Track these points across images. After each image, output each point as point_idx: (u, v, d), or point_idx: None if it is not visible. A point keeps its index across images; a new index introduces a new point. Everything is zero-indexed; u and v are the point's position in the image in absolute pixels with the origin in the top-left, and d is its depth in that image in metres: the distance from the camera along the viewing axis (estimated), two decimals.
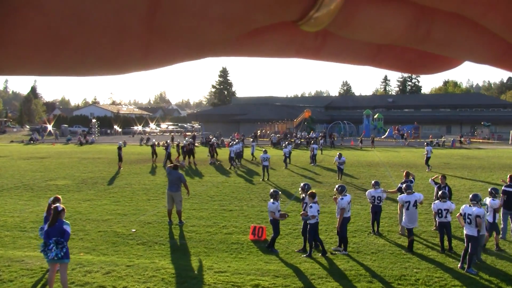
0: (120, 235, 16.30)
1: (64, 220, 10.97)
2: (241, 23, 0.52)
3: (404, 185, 15.45)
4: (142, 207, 21.20)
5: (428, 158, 36.58)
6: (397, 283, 11.79)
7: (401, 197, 14.93)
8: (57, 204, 11.19)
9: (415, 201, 14.70)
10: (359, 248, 14.73)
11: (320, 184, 27.79)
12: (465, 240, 13.07)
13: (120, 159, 36.07)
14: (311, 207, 13.93)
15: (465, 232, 13.03)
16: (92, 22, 0.50)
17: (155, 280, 11.88)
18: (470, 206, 13.09)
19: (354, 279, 12.05)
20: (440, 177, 18.03)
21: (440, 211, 14.30)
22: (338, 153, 31.25)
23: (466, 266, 12.76)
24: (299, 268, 12.91)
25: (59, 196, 12.51)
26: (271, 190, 15.42)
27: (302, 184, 16.17)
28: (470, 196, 13.62)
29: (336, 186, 15.71)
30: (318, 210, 14.20)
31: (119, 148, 36.48)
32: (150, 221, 18.28)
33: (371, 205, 16.64)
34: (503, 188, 16.41)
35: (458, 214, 13.47)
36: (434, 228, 16.91)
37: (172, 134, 76.99)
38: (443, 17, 0.57)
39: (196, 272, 12.57)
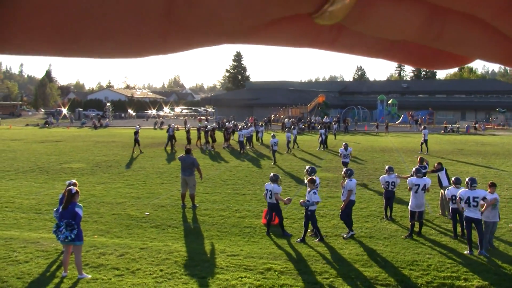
0: (134, 218, 16.43)
1: (77, 203, 11.07)
2: (257, 14, 0.53)
3: (414, 169, 15.39)
4: (156, 190, 21.32)
5: (425, 141, 37.68)
6: (409, 268, 11.80)
7: (411, 179, 14.81)
8: (71, 187, 11.29)
9: (424, 185, 14.65)
10: (371, 233, 14.74)
11: (332, 169, 27.76)
12: (467, 225, 13.14)
13: (137, 143, 36.13)
14: (314, 193, 13.85)
15: (468, 215, 13.03)
16: (114, 8, 0.50)
17: (168, 263, 11.98)
18: (472, 189, 13.09)
19: (366, 264, 12.07)
20: (419, 158, 18.25)
21: (454, 197, 14.23)
22: (343, 144, 26.89)
23: (477, 250, 12.80)
24: (311, 252, 12.95)
25: (76, 182, 12.61)
26: (271, 174, 15.40)
27: (307, 167, 16.20)
28: (468, 179, 13.49)
29: (344, 169, 15.69)
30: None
31: (136, 133, 36.51)
32: (163, 205, 18.39)
33: (384, 191, 16.61)
34: None
35: (457, 198, 13.39)
36: (440, 214, 16.92)
37: (186, 118, 77.14)
38: (455, 17, 0.58)
39: (208, 255, 12.65)
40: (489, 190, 13.44)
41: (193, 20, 0.53)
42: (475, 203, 12.92)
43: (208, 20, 0.53)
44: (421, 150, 37.56)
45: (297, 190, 20.82)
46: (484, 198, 12.97)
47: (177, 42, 0.57)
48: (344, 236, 14.40)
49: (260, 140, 44.00)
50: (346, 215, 14.49)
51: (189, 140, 39.20)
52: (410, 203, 14.78)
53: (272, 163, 30.30)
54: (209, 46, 0.60)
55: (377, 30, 0.56)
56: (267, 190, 14.83)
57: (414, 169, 15.34)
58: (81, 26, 0.52)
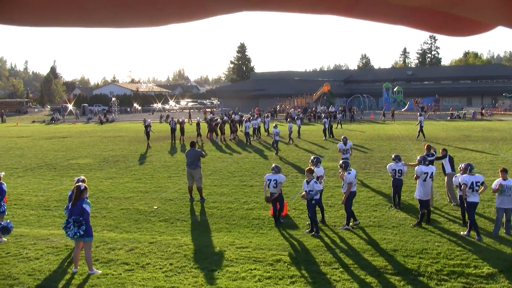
0: (142, 213, 16.48)
1: (85, 199, 11.11)
2: None
3: (419, 157, 15.33)
4: (163, 184, 21.37)
5: (421, 128, 38.39)
6: (418, 256, 11.80)
7: (420, 167, 14.70)
8: (80, 183, 11.32)
9: (432, 173, 14.63)
10: (380, 222, 14.73)
11: (338, 159, 27.71)
12: (471, 210, 13.30)
13: (149, 137, 36.14)
14: (315, 182, 13.78)
15: (473, 200, 13.23)
16: None
17: (178, 257, 12.02)
18: (472, 175, 13.42)
19: (376, 253, 12.07)
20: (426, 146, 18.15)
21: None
22: (342, 137, 24.05)
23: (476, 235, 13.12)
24: (320, 243, 12.96)
25: (84, 178, 12.66)
26: (273, 165, 15.42)
27: (312, 157, 16.20)
28: (465, 165, 13.76)
29: (340, 162, 15.58)
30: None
31: (147, 126, 36.46)
32: (171, 198, 18.43)
33: (392, 179, 16.57)
34: None
35: (462, 185, 13.41)
36: (448, 201, 16.90)
37: (191, 110, 77.09)
38: None
39: (218, 248, 12.68)
40: (501, 176, 13.47)
41: None
42: (477, 187, 13.18)
43: None
44: (417, 137, 38.14)
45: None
46: (482, 183, 13.28)
47: (196, 9, 0.57)
48: (345, 227, 14.38)
49: (267, 131, 44.04)
50: (349, 207, 14.44)
51: (199, 132, 39.13)
52: (417, 192, 14.71)
53: (274, 153, 30.49)
54: (228, 13, 0.60)
55: None
56: (270, 180, 14.77)
57: (419, 157, 15.28)
58: None
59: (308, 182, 13.72)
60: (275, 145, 31.34)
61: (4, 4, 0.54)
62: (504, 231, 13.42)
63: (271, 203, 14.98)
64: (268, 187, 14.79)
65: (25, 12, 0.55)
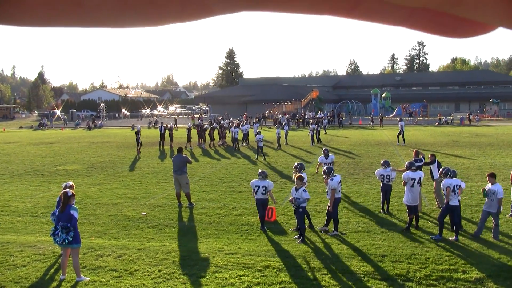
0: (131, 219, 16.40)
1: (73, 205, 11.03)
2: None
3: (407, 163, 15.37)
4: (152, 190, 21.30)
5: (402, 133, 38.98)
6: (407, 262, 11.81)
7: (407, 173, 14.75)
8: (67, 190, 11.25)
9: (420, 179, 14.70)
10: (369, 228, 14.75)
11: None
12: (453, 213, 13.61)
13: (139, 143, 35.98)
14: (304, 190, 13.71)
15: (454, 204, 13.50)
16: None
17: (166, 263, 11.96)
18: (452, 179, 13.71)
19: (364, 259, 12.07)
20: (414, 152, 18.15)
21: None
22: (323, 149, 21.95)
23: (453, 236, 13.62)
24: (309, 248, 12.95)
25: (73, 184, 12.59)
26: (260, 171, 15.45)
27: (295, 164, 16.25)
28: (446, 169, 14.12)
29: (324, 168, 15.56)
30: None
31: (137, 132, 36.35)
32: (160, 204, 18.36)
33: (381, 184, 16.61)
34: None
35: (446, 188, 13.59)
36: (436, 206, 16.96)
37: (178, 116, 76.96)
38: None
39: (206, 254, 12.63)
40: (488, 181, 13.68)
41: None
42: (458, 191, 13.49)
43: None
44: (398, 142, 38.86)
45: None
46: (459, 186, 13.62)
47: (196, 8, 0.57)
48: (319, 228, 14.42)
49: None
50: (335, 213, 14.42)
51: (189, 138, 38.97)
52: (405, 197, 14.75)
53: (255, 158, 31.03)
54: (228, 13, 0.59)
55: None
56: (258, 186, 14.78)
57: (407, 163, 15.33)
58: None
59: (297, 189, 13.65)
60: (259, 150, 31.67)
61: (4, 3, 0.53)
62: (492, 236, 13.50)
63: (257, 208, 15.11)
64: (256, 194, 14.79)
65: (24, 11, 0.54)
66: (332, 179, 14.40)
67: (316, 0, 0.58)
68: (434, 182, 17.11)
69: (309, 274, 11.19)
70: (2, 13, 0.54)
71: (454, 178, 13.72)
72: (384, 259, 12.01)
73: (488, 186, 13.59)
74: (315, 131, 40.11)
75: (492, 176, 13.72)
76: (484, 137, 44.01)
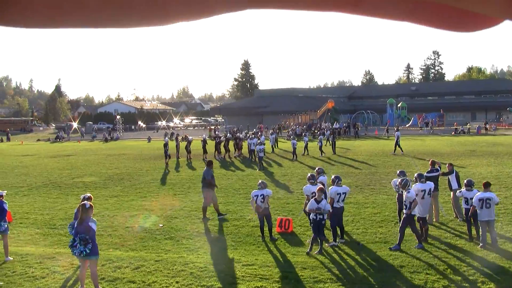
0: (148, 231, 16.46)
1: (91, 217, 11.12)
2: None
3: (416, 174, 15.32)
4: (169, 202, 21.37)
5: (397, 142, 39.57)
6: (425, 272, 11.75)
7: (416, 185, 14.73)
8: (85, 202, 11.34)
9: (430, 190, 14.66)
10: (386, 238, 14.69)
11: (343, 175, 27.73)
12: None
13: (168, 156, 36.09)
14: (326, 203, 13.63)
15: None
16: None
17: (184, 275, 11.99)
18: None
19: (382, 269, 12.03)
20: (447, 165, 17.97)
21: (466, 200, 14.24)
22: (317, 169, 18.41)
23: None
24: (326, 259, 12.92)
25: (91, 196, 12.71)
26: (260, 181, 15.64)
27: (309, 174, 16.63)
28: (416, 175, 15.04)
29: (333, 177, 15.53)
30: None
31: (165, 145, 36.50)
32: (177, 216, 18.42)
33: (397, 195, 16.54)
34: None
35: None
36: (454, 216, 16.87)
37: (186, 128, 76.98)
38: None
39: (224, 265, 12.65)
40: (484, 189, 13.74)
41: None
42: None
43: None
44: (394, 152, 39.38)
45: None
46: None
47: (201, 7, 0.57)
48: (328, 244, 14.34)
49: (272, 148, 44.17)
50: (334, 223, 14.41)
51: (204, 150, 39.03)
52: (416, 209, 14.70)
53: (258, 169, 31.45)
54: (232, 11, 0.60)
55: None
56: (257, 195, 14.95)
57: (416, 175, 15.30)
58: None
59: (318, 202, 13.54)
60: (259, 161, 32.52)
61: (7, 5, 0.54)
62: (491, 245, 13.45)
63: (258, 217, 15.21)
64: (256, 203, 14.91)
65: (27, 13, 0.55)
66: (332, 188, 14.54)
67: None
68: (452, 192, 17.01)
69: (327, 285, 11.16)
70: (4, 14, 0.55)
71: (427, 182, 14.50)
72: (402, 270, 11.96)
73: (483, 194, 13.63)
74: (330, 142, 40.18)
75: (486, 185, 13.80)
76: (501, 146, 43.66)
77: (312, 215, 13.48)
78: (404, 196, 14.00)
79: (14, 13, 0.55)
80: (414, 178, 15.28)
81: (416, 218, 14.22)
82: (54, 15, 0.55)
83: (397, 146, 39.53)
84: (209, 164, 19.07)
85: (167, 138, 39.59)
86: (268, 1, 0.59)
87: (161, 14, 0.58)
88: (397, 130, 42.32)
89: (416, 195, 14.51)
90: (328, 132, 51.05)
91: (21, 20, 0.56)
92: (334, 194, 14.36)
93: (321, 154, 39.27)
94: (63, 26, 0.57)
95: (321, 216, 13.46)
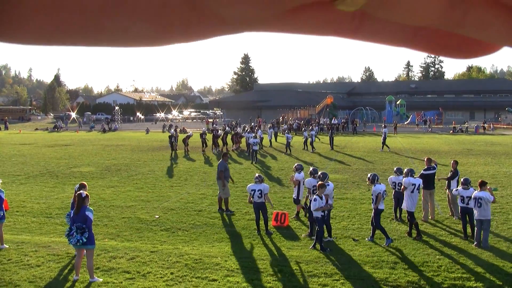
0: (144, 222, 16.49)
1: (88, 207, 11.13)
2: (277, 1, 0.52)
3: (406, 169, 15.44)
4: (165, 193, 21.39)
5: (384, 139, 39.45)
6: (419, 269, 11.79)
7: (408, 179, 14.84)
8: (81, 191, 11.35)
9: (419, 185, 14.80)
10: (381, 235, 14.69)
11: (341, 171, 27.76)
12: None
13: (173, 148, 36.03)
14: (315, 200, 13.63)
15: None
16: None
17: (179, 266, 12.02)
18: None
19: (376, 265, 12.06)
20: (452, 163, 17.97)
21: (462, 198, 14.27)
22: (296, 165, 17.79)
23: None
24: (321, 254, 12.95)
25: (85, 183, 12.73)
26: (257, 175, 15.59)
27: (295, 164, 17.16)
28: (406, 170, 15.19)
29: (319, 173, 15.50)
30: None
31: (171, 137, 36.48)
32: (173, 208, 18.44)
33: (393, 191, 16.58)
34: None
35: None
36: (450, 214, 16.93)
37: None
38: (479, 0, 0.56)
39: (219, 258, 12.67)
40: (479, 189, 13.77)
41: (214, 6, 0.53)
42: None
43: (229, 7, 0.53)
44: (382, 149, 39.28)
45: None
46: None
47: (199, 30, 0.58)
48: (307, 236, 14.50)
49: (270, 143, 44.18)
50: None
51: (204, 143, 38.90)
52: (405, 203, 14.84)
53: (252, 163, 31.55)
54: (230, 34, 0.60)
55: (399, 15, 0.54)
56: (254, 190, 14.96)
57: (406, 169, 15.39)
58: (104, 16, 0.53)
59: (321, 198, 13.52)
60: (254, 154, 32.61)
61: (6, 23, 0.53)
62: (482, 244, 13.47)
63: (254, 211, 15.25)
64: (253, 198, 14.99)
65: (27, 31, 0.55)
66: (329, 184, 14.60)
67: (318, 23, 0.59)
68: (448, 190, 17.07)
69: (322, 279, 11.19)
70: (4, 31, 0.54)
71: (382, 184, 14.56)
72: (396, 266, 12.00)
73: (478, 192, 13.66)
74: (330, 136, 40.28)
75: (481, 184, 13.81)
76: (499, 145, 43.71)
77: (320, 213, 13.44)
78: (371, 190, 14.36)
79: (9, 29, 0.54)
80: (404, 173, 15.35)
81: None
82: (51, 33, 0.55)
83: (384, 143, 39.55)
84: (224, 156, 19.15)
85: (172, 130, 39.44)
86: (265, 27, 0.59)
87: (160, 35, 0.58)
88: (385, 127, 42.34)
89: (406, 188, 14.68)
90: (317, 128, 50.99)
91: (16, 38, 0.56)
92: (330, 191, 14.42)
93: (312, 150, 39.28)
94: (59, 44, 0.57)
95: (325, 212, 13.64)
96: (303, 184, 16.47)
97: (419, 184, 14.86)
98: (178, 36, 0.59)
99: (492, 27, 0.58)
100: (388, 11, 0.54)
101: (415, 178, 15.00)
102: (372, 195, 14.32)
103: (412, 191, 14.64)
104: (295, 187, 16.82)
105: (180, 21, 0.56)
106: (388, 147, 39.26)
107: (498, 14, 0.57)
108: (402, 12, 0.54)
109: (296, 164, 17.61)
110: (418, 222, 14.74)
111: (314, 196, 13.55)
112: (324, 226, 14.05)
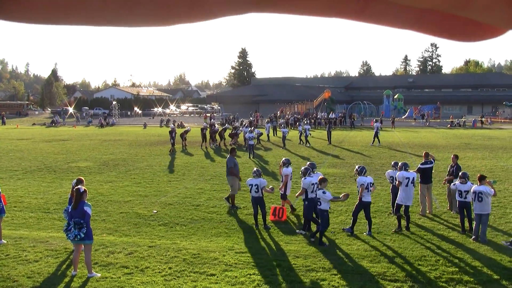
0: (142, 216, 16.49)
1: (86, 202, 11.13)
2: None
3: (400, 163, 15.47)
4: (163, 188, 21.38)
5: (376, 133, 39.65)
6: (417, 263, 11.81)
7: (402, 173, 14.86)
8: (79, 186, 11.34)
9: (413, 178, 14.80)
10: (379, 229, 14.75)
11: (338, 165, 27.78)
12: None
13: (173, 143, 35.92)
14: (324, 193, 13.64)
15: (366, 200, 14.30)
16: None
17: (177, 261, 12.03)
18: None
19: (375, 260, 12.08)
20: (452, 157, 17.95)
21: (460, 192, 14.29)
22: (283, 159, 18.02)
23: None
24: (319, 248, 12.97)
25: (82, 178, 12.72)
26: (255, 169, 15.65)
27: (283, 159, 17.38)
28: (400, 164, 15.31)
29: (302, 168, 15.45)
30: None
31: (171, 132, 36.28)
32: (171, 203, 18.44)
33: (391, 186, 16.59)
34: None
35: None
36: (448, 208, 16.95)
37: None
38: None
39: (217, 252, 12.68)
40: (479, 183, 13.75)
41: None
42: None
43: None
44: (373, 143, 39.43)
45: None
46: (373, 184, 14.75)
47: (204, 9, 0.57)
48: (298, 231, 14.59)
49: (267, 137, 44.22)
50: (309, 215, 14.56)
51: (204, 137, 38.82)
52: (399, 197, 14.85)
53: (248, 157, 31.54)
54: (237, 14, 0.60)
55: None
56: (251, 185, 14.99)
57: (400, 163, 15.42)
58: None
59: (324, 192, 13.55)
60: (250, 149, 32.69)
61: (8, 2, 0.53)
62: (479, 238, 13.49)
63: (252, 206, 15.37)
64: (250, 192, 15.11)
65: (27, 8, 0.54)
66: (305, 178, 14.56)
67: (324, 3, 0.59)
68: (448, 184, 17.09)
69: (320, 274, 11.21)
70: (3, 8, 0.54)
71: (368, 176, 14.68)
72: (394, 261, 12.02)
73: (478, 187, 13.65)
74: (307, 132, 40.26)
75: (480, 178, 13.81)
76: (497, 140, 43.77)
77: (328, 206, 13.54)
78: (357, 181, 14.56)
79: (14, 7, 0.54)
80: (398, 167, 15.38)
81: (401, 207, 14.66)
82: (56, 11, 0.54)
83: (376, 137, 39.66)
84: (232, 151, 19.03)
85: (173, 125, 39.35)
86: (272, 6, 0.58)
87: (164, 15, 0.57)
88: (376, 121, 42.60)
89: (401, 183, 14.69)
90: (307, 122, 51.05)
91: (20, 15, 0.55)
92: (308, 185, 14.39)
93: (307, 145, 39.41)
94: (64, 23, 0.57)
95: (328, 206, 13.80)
96: (290, 180, 16.76)
97: (413, 178, 14.86)
98: (182, 16, 0.58)
99: (497, 9, 0.57)
100: None
101: (409, 171, 15.00)
102: (357, 186, 14.55)
103: (406, 185, 14.66)
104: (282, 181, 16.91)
105: (185, 0, 0.55)
106: (379, 141, 39.44)
107: None
108: None
109: (283, 159, 17.65)
110: (401, 216, 14.79)
111: (322, 190, 13.55)
112: (312, 220, 14.54)
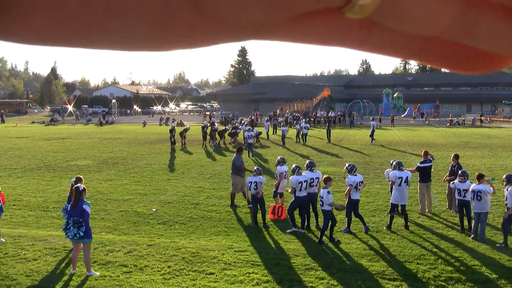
0: (141, 215, 16.48)
1: (85, 200, 11.12)
2: (285, 6, 0.51)
3: (395, 162, 15.48)
4: (162, 187, 21.37)
5: (372, 132, 40.01)
6: (416, 262, 11.81)
7: (394, 172, 14.86)
8: (78, 185, 11.34)
9: (407, 178, 14.77)
10: (378, 228, 14.75)
11: (337, 164, 27.77)
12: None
13: (173, 142, 35.80)
14: (328, 193, 13.64)
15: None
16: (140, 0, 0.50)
17: (176, 259, 12.02)
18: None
19: (373, 258, 12.08)
20: (452, 156, 17.92)
21: (459, 191, 14.29)
22: (278, 158, 17.73)
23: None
24: (318, 247, 12.97)
25: (81, 176, 12.71)
26: (255, 167, 15.70)
27: (278, 158, 17.42)
28: (394, 162, 15.38)
29: (293, 166, 15.41)
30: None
31: (171, 131, 36.16)
32: (170, 201, 18.43)
33: (390, 184, 16.59)
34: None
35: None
36: (447, 207, 16.95)
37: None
38: (490, 9, 0.55)
39: (216, 251, 12.68)
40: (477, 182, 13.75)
41: (220, 10, 0.52)
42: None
43: (235, 11, 0.52)
44: (371, 142, 39.52)
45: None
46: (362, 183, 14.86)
47: (203, 34, 0.56)
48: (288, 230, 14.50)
49: (266, 136, 44.22)
50: (290, 211, 14.59)
51: (205, 136, 38.77)
52: (393, 197, 14.86)
53: (247, 156, 31.03)
54: (235, 41, 0.59)
55: (409, 23, 0.53)
56: (251, 182, 15.10)
57: (395, 162, 15.43)
58: (107, 18, 0.52)
59: (329, 193, 13.54)
60: (249, 147, 32.59)
61: (5, 20, 0.52)
62: (478, 237, 13.49)
63: (252, 204, 15.47)
64: (249, 190, 15.18)
65: (28, 29, 0.53)
66: (292, 177, 14.55)
67: (325, 32, 0.58)
68: (448, 183, 17.08)
69: (319, 272, 11.21)
70: (4, 28, 0.53)
71: (358, 175, 14.76)
72: (393, 259, 12.02)
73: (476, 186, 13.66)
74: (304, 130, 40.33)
75: (479, 177, 13.82)
76: (496, 138, 43.78)
77: (329, 207, 13.51)
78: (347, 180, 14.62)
79: (9, 27, 0.53)
80: (392, 166, 15.40)
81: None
82: (56, 35, 0.54)
83: (371, 135, 39.87)
84: (239, 150, 18.98)
85: (173, 124, 39.30)
86: (273, 35, 0.58)
87: (164, 39, 0.56)
88: (373, 119, 42.99)
89: (393, 182, 14.75)
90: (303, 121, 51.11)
91: (16, 36, 0.54)
92: (296, 183, 14.37)
93: (302, 142, 39.57)
94: (61, 45, 0.56)
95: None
96: (285, 178, 16.66)
97: (407, 177, 14.83)
98: (182, 42, 0.57)
99: (503, 37, 0.56)
100: (396, 19, 0.53)
101: (403, 171, 14.99)
102: (346, 185, 14.62)
103: (399, 184, 14.64)
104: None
105: (185, 25, 0.54)
106: (374, 140, 39.58)
107: (510, 23, 0.55)
108: (411, 20, 0.53)
109: (279, 157, 17.61)
110: (394, 216, 14.81)
111: (327, 190, 13.52)
112: (308, 215, 14.76)
